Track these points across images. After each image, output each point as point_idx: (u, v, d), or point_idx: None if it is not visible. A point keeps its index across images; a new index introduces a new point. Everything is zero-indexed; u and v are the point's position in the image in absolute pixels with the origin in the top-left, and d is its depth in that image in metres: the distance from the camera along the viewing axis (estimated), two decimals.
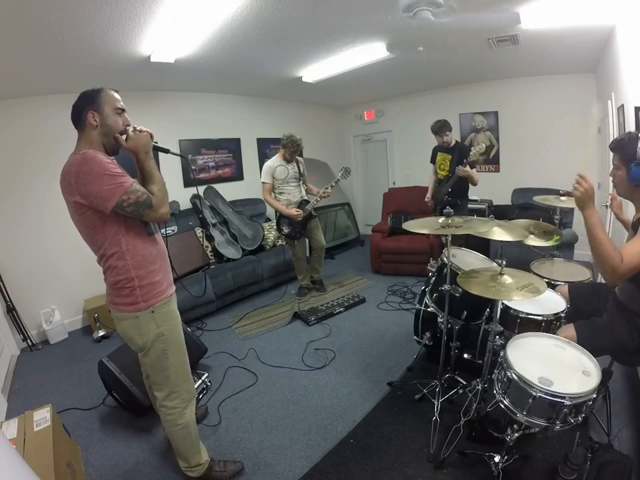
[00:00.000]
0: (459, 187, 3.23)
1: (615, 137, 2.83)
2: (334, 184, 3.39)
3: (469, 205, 3.60)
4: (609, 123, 2.95)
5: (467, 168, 3.01)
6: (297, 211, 3.36)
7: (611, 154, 1.48)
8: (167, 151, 1.51)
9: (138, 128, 1.35)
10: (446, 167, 3.34)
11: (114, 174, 1.19)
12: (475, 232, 1.66)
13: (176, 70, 3.13)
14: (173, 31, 2.30)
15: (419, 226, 1.75)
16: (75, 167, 1.16)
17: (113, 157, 1.34)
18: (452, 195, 3.27)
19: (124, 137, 1.32)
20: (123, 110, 1.34)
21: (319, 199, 3.39)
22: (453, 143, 3.32)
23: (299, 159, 3.48)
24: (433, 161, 3.55)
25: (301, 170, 3.49)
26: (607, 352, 1.55)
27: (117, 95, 1.33)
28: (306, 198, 3.51)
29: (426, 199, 3.62)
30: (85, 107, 1.26)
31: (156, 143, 1.43)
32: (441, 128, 3.25)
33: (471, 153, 2.97)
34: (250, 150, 4.93)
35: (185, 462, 1.57)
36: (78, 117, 1.27)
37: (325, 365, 2.51)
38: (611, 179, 1.52)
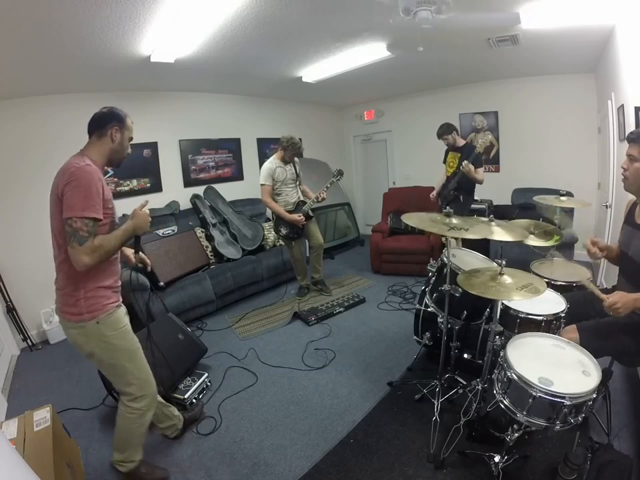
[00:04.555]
0: (465, 184, 3.24)
1: (613, 135, 2.85)
2: (329, 185, 3.39)
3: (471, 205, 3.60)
4: (609, 123, 2.96)
5: (470, 165, 3.04)
6: (299, 216, 3.36)
7: (616, 148, 1.45)
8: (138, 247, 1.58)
9: (146, 208, 1.48)
10: (454, 164, 3.37)
11: (91, 198, 1.25)
12: (474, 236, 1.66)
13: (176, 70, 3.13)
14: (172, 30, 2.31)
15: (419, 221, 1.73)
16: (74, 169, 1.25)
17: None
18: (458, 190, 3.30)
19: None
20: (132, 140, 1.53)
21: (315, 200, 3.40)
22: (462, 143, 3.34)
23: (295, 159, 3.48)
24: (445, 161, 3.57)
25: (297, 171, 3.49)
26: (609, 354, 1.55)
27: (133, 126, 1.52)
28: (303, 199, 3.52)
29: (431, 195, 3.61)
30: (113, 121, 1.41)
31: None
32: (441, 133, 3.33)
33: (478, 144, 3.06)
34: (250, 150, 4.93)
35: (121, 455, 1.59)
36: (102, 125, 1.39)
37: (325, 365, 2.51)
38: (622, 171, 1.48)
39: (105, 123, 1.40)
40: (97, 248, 1.27)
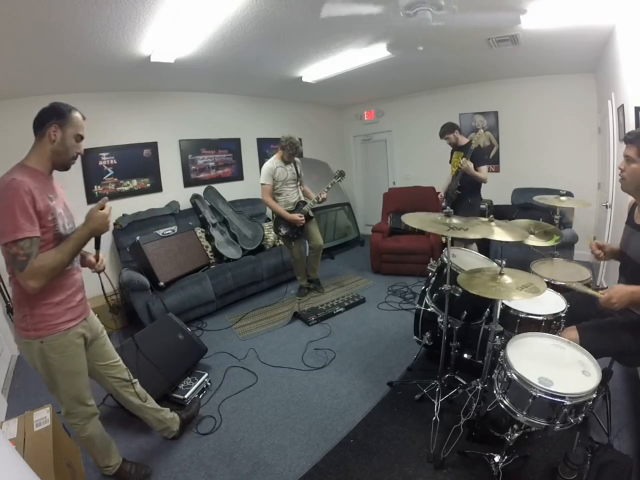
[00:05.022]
0: (468, 183, 3.21)
1: (613, 136, 2.85)
2: (330, 186, 3.40)
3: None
4: (609, 123, 2.95)
5: (469, 162, 3.04)
6: (299, 216, 3.36)
7: (616, 148, 1.45)
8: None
9: (107, 208, 1.35)
10: (458, 163, 3.32)
11: (18, 217, 1.14)
12: (474, 236, 1.66)
13: (176, 70, 3.13)
14: (172, 30, 2.31)
15: (419, 221, 1.73)
16: (0, 186, 1.17)
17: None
18: (462, 189, 3.26)
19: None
20: (82, 138, 1.36)
21: (315, 201, 3.40)
22: (465, 142, 3.30)
23: (296, 159, 3.48)
24: (450, 161, 3.54)
25: (298, 171, 3.49)
26: (609, 354, 1.55)
27: (83, 122, 1.35)
28: (303, 199, 3.52)
29: (439, 196, 3.58)
30: (52, 118, 1.27)
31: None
32: (443, 133, 3.33)
33: (472, 141, 3.06)
34: (250, 150, 4.93)
35: (96, 462, 1.62)
36: (41, 124, 1.27)
37: (324, 365, 2.51)
38: (619, 171, 1.48)
39: (43, 121, 1.26)
40: (38, 269, 1.18)
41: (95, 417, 1.55)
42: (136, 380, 1.73)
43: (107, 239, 3.61)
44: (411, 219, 1.74)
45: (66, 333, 1.35)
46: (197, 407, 2.08)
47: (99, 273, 1.55)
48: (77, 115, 1.33)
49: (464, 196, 3.28)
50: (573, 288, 1.57)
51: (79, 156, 1.38)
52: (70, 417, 1.48)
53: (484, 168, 3.19)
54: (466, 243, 3.21)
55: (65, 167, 1.36)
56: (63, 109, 1.30)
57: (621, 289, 1.34)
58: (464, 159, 3.06)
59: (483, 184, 3.31)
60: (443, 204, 3.44)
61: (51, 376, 1.37)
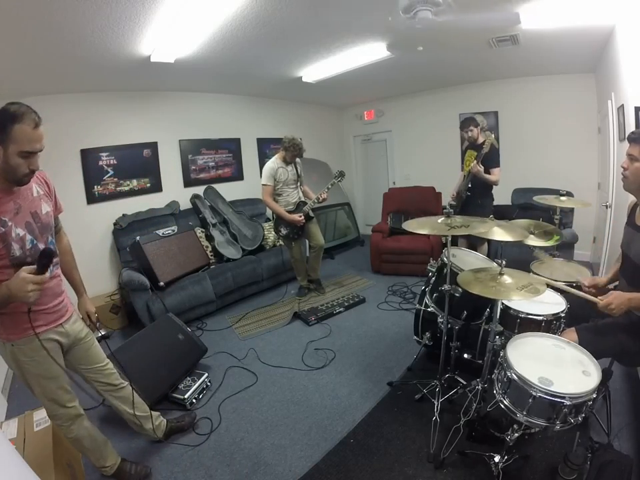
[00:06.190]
0: (479, 184, 3.17)
1: (613, 135, 2.85)
2: (330, 186, 3.40)
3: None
4: (609, 123, 2.96)
5: (479, 165, 3.02)
6: (299, 216, 3.36)
7: (616, 148, 1.44)
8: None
9: (25, 271, 1.09)
10: (470, 163, 3.25)
11: None
12: (475, 232, 1.66)
13: (176, 70, 3.13)
14: (172, 30, 2.31)
15: (419, 226, 1.74)
16: None
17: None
18: (472, 191, 3.23)
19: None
20: (31, 153, 1.14)
21: (316, 201, 3.40)
22: (481, 140, 3.18)
23: (297, 159, 3.48)
24: (463, 159, 3.50)
25: (299, 171, 3.49)
26: (608, 355, 1.55)
27: (33, 133, 1.12)
28: (303, 199, 3.52)
29: (451, 195, 3.52)
30: None
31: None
32: (467, 125, 3.25)
33: (485, 143, 3.01)
34: (250, 150, 4.93)
35: (92, 463, 1.60)
36: None
37: (325, 365, 2.51)
38: (622, 170, 1.48)
39: None
40: None
41: (80, 419, 1.51)
42: (126, 384, 1.68)
43: (106, 239, 3.62)
44: (411, 224, 1.75)
45: (35, 338, 1.28)
46: (189, 421, 2.00)
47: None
48: (23, 127, 1.09)
49: (474, 197, 3.25)
50: (573, 293, 1.58)
51: (34, 172, 1.20)
52: (53, 418, 1.46)
53: (496, 170, 3.14)
54: (478, 245, 3.21)
55: (18, 183, 1.20)
56: (7, 118, 1.08)
57: (620, 295, 1.36)
58: (475, 162, 3.02)
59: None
60: (453, 203, 3.35)
61: (25, 378, 1.35)
